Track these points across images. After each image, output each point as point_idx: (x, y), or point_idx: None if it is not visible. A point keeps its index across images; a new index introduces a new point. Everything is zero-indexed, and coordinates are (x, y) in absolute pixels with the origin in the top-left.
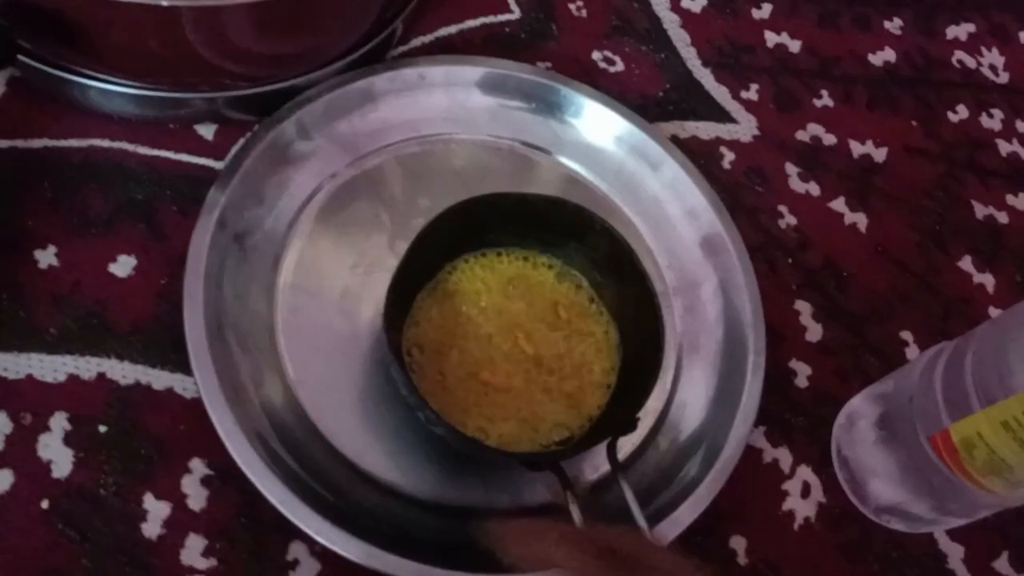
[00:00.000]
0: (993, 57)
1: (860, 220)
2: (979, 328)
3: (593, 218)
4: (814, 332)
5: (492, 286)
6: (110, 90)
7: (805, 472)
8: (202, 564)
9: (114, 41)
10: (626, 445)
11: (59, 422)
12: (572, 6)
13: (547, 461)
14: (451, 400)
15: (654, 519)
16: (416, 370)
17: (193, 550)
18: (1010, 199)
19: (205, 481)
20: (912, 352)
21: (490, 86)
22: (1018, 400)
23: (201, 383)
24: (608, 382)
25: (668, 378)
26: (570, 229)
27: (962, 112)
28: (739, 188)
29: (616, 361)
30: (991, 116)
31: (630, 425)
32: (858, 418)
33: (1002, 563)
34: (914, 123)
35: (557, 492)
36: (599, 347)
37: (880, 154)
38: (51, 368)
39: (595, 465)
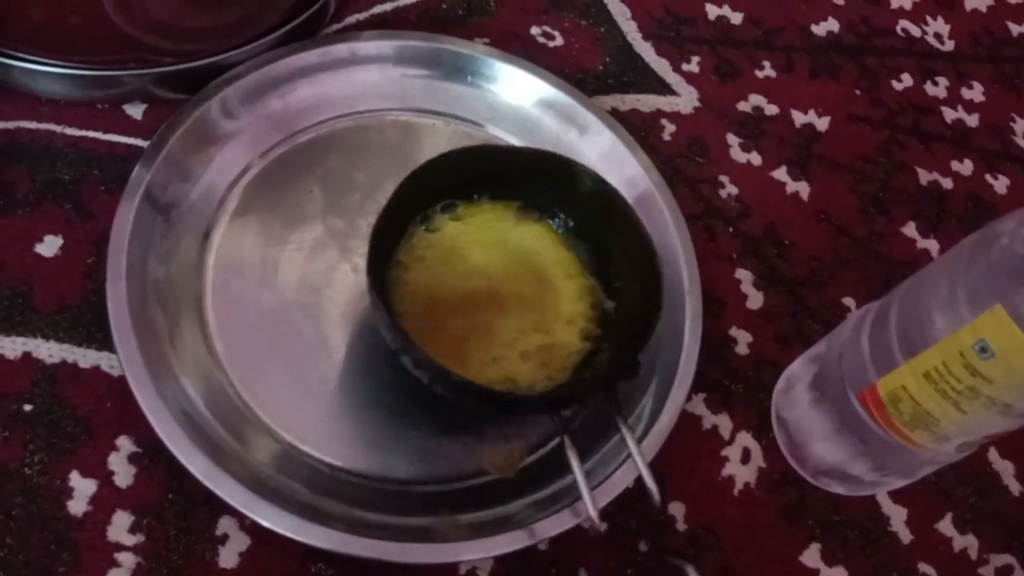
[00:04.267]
0: (938, 26)
1: (802, 188)
2: (903, 283)
3: (583, 170)
4: (755, 300)
5: (472, 236)
6: (34, 70)
7: (745, 438)
8: (129, 540)
9: (35, 18)
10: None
11: None
12: None
13: (544, 404)
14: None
15: (590, 484)
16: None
17: (120, 526)
18: (955, 164)
19: (132, 458)
20: None
21: (424, 61)
22: (938, 349)
23: (124, 360)
24: (587, 330)
25: None
26: (556, 181)
27: (907, 80)
28: (680, 159)
29: (597, 310)
30: (936, 84)
31: (633, 369)
32: (796, 381)
33: (946, 524)
34: (857, 92)
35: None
36: (578, 295)
37: (823, 123)
38: None
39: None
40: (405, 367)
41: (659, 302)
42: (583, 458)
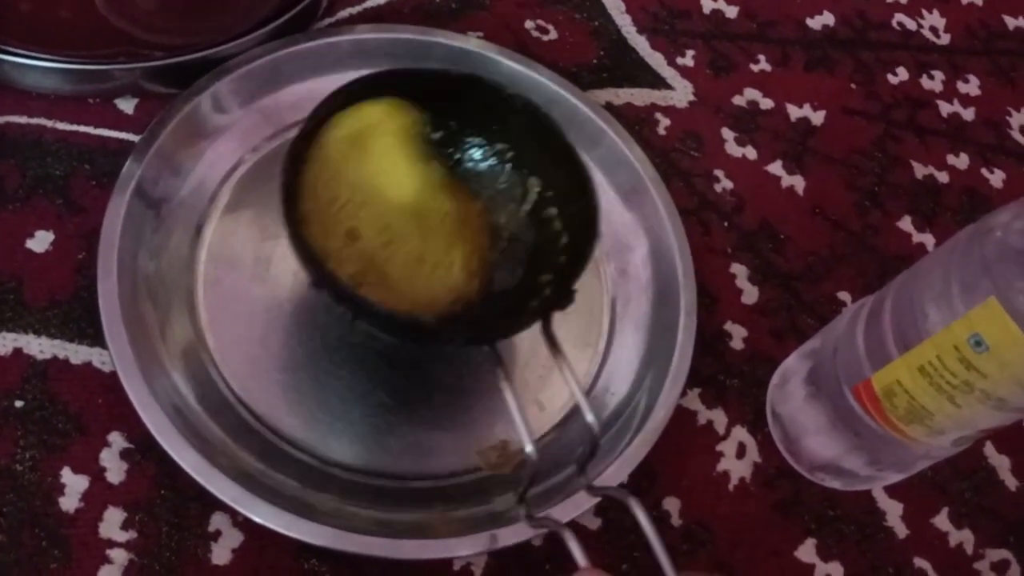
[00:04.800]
0: (934, 19)
1: (797, 182)
2: (898, 277)
3: (513, 96)
4: (750, 294)
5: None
6: (24, 64)
7: (740, 433)
8: (121, 536)
9: (25, 12)
10: (556, 403)
11: None
12: None
13: (474, 335)
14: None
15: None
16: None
17: (112, 523)
18: (950, 158)
19: (124, 454)
20: None
21: (417, 55)
22: (932, 343)
23: (115, 355)
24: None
25: (601, 342)
26: (488, 107)
27: (902, 74)
28: (675, 153)
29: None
30: (932, 77)
31: (566, 298)
32: (790, 376)
33: (942, 519)
34: (853, 85)
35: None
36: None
37: (818, 117)
38: None
39: None
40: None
41: (595, 228)
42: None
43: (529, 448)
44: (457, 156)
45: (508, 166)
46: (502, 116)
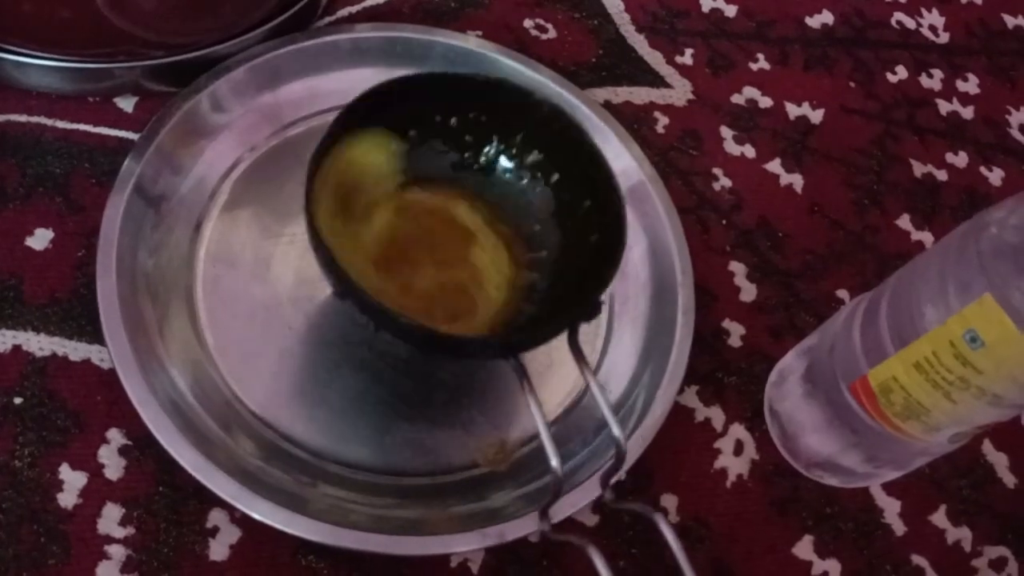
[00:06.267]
0: (933, 18)
1: (796, 181)
2: (894, 274)
3: (541, 101)
4: (748, 292)
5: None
6: (25, 63)
7: (738, 430)
8: (119, 533)
9: (25, 10)
10: (555, 399)
11: None
12: None
13: (499, 348)
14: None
15: (578, 479)
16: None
17: (110, 519)
18: (949, 157)
19: (123, 451)
20: None
21: (416, 54)
22: (928, 340)
23: (114, 352)
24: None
25: (599, 339)
26: (513, 113)
27: (901, 73)
28: (673, 152)
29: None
30: (931, 76)
31: (593, 309)
32: (788, 373)
33: (939, 516)
34: (852, 84)
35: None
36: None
37: (817, 115)
38: None
39: None
40: (353, 318)
41: (619, 243)
42: (572, 452)
43: (555, 463)
44: (485, 164)
45: (536, 174)
46: (529, 122)
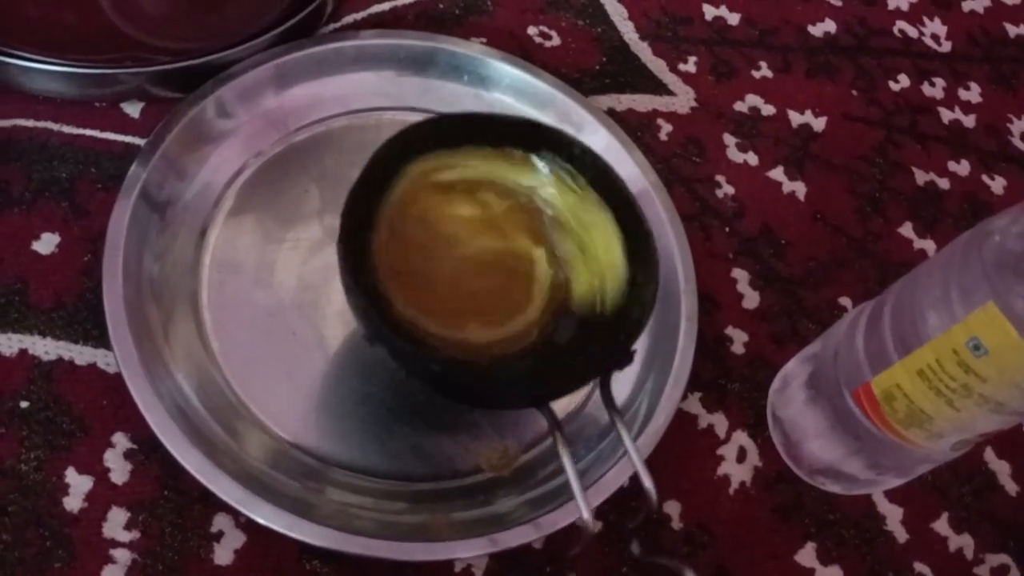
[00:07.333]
0: (935, 26)
1: (799, 188)
2: (897, 281)
3: (573, 141)
4: (751, 299)
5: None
6: (31, 68)
7: (741, 437)
8: (124, 537)
9: (32, 16)
10: (560, 402)
11: None
12: None
13: (531, 397)
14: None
15: (583, 483)
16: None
17: (115, 523)
18: (952, 165)
19: (128, 455)
20: None
21: (420, 60)
22: (932, 347)
23: (120, 357)
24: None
25: None
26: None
27: (903, 81)
28: (676, 159)
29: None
30: (933, 84)
31: (626, 357)
32: (791, 380)
33: (942, 524)
34: (854, 92)
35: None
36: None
37: (819, 123)
38: None
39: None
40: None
41: (655, 287)
42: (576, 456)
43: (587, 516)
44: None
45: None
46: (572, 166)
